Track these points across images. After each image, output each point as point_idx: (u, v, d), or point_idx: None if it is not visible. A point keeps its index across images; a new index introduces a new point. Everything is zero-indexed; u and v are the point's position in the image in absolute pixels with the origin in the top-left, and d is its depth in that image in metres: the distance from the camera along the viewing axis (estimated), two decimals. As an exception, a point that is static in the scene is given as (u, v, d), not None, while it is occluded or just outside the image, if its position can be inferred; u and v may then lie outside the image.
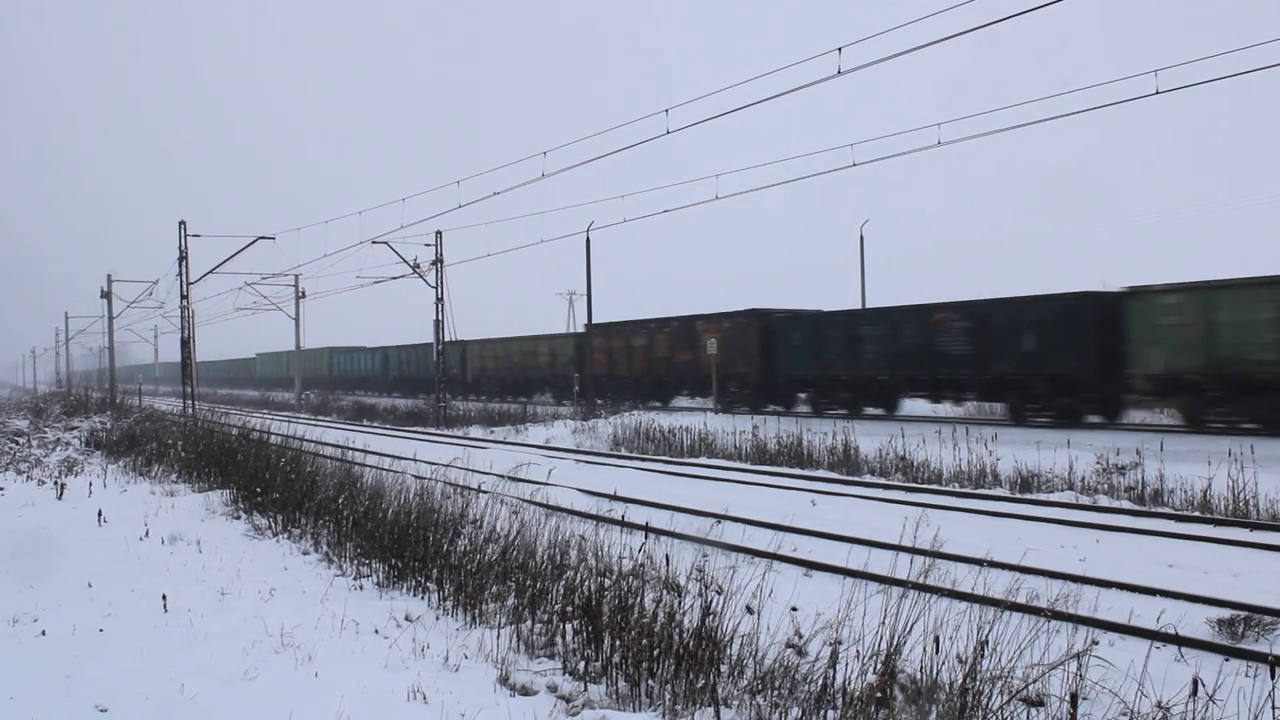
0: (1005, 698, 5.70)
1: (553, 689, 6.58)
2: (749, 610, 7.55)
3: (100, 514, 12.93)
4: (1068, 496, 16.10)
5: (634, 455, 25.75)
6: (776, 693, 6.23)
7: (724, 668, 6.69)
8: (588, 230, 39.13)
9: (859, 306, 41.21)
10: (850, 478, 19.46)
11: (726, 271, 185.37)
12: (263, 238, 38.89)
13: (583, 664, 6.97)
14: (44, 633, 7.81)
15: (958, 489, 17.48)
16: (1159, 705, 5.52)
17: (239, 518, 13.71)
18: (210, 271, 39.95)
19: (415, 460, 19.60)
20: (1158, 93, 15.76)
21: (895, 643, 6.08)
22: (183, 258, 38.71)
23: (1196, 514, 14.39)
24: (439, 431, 36.66)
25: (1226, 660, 7.65)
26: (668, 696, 6.24)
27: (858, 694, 5.86)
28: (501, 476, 15.20)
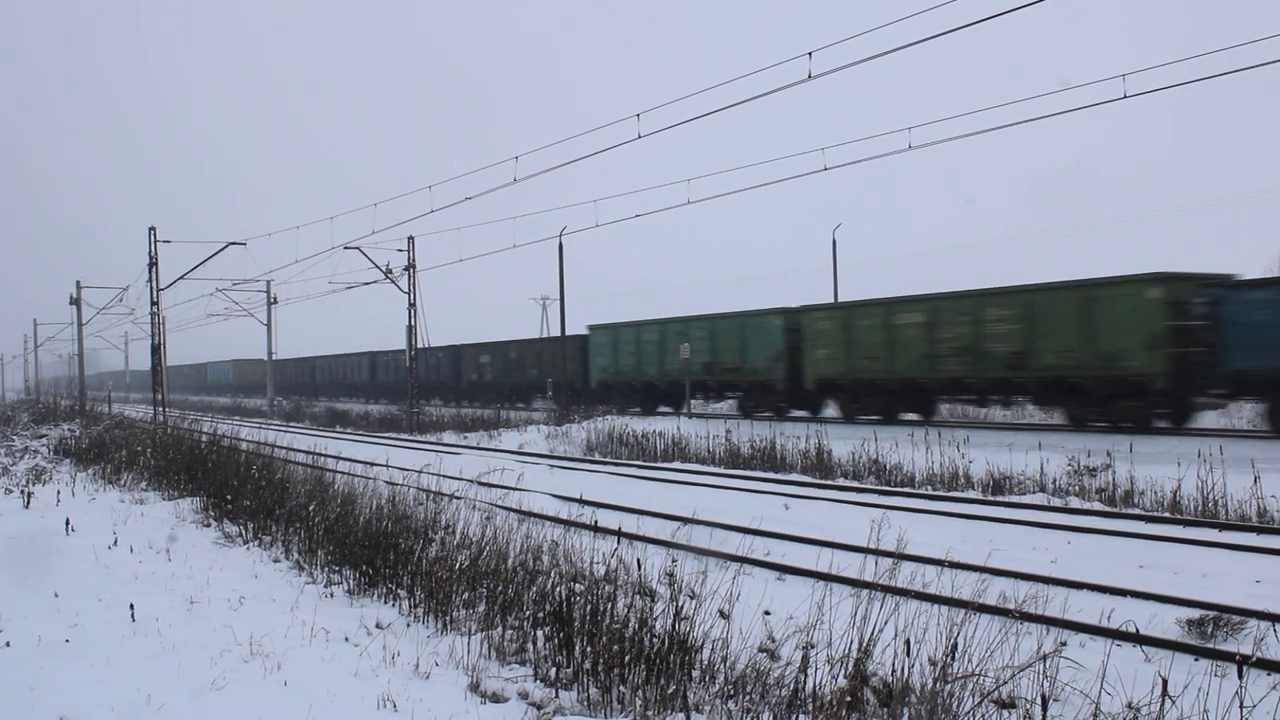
0: (976, 699, 5.72)
1: (524, 695, 6.55)
2: (722, 615, 7.54)
3: (68, 523, 12.79)
4: (1039, 498, 16.18)
5: (608, 460, 25.72)
6: (748, 697, 6.22)
7: (696, 673, 6.67)
8: (560, 235, 39.09)
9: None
10: (824, 481, 19.49)
11: (714, 274, 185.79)
12: (234, 243, 38.73)
13: (554, 670, 6.94)
14: (8, 644, 7.70)
15: (930, 492, 17.54)
16: (1129, 706, 5.55)
17: (209, 525, 13.60)
18: (181, 278, 39.75)
19: (386, 466, 19.53)
20: (1125, 97, 15.89)
21: (866, 646, 6.08)
22: (153, 264, 38.46)
23: (1167, 515, 14.49)
24: (411, 437, 36.52)
25: (1196, 660, 7.70)
26: (639, 702, 6.22)
27: (829, 698, 5.86)
28: (473, 482, 15.14)
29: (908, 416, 29.82)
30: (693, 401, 38.24)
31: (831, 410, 33.49)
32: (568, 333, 43.43)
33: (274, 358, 63.38)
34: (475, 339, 55.98)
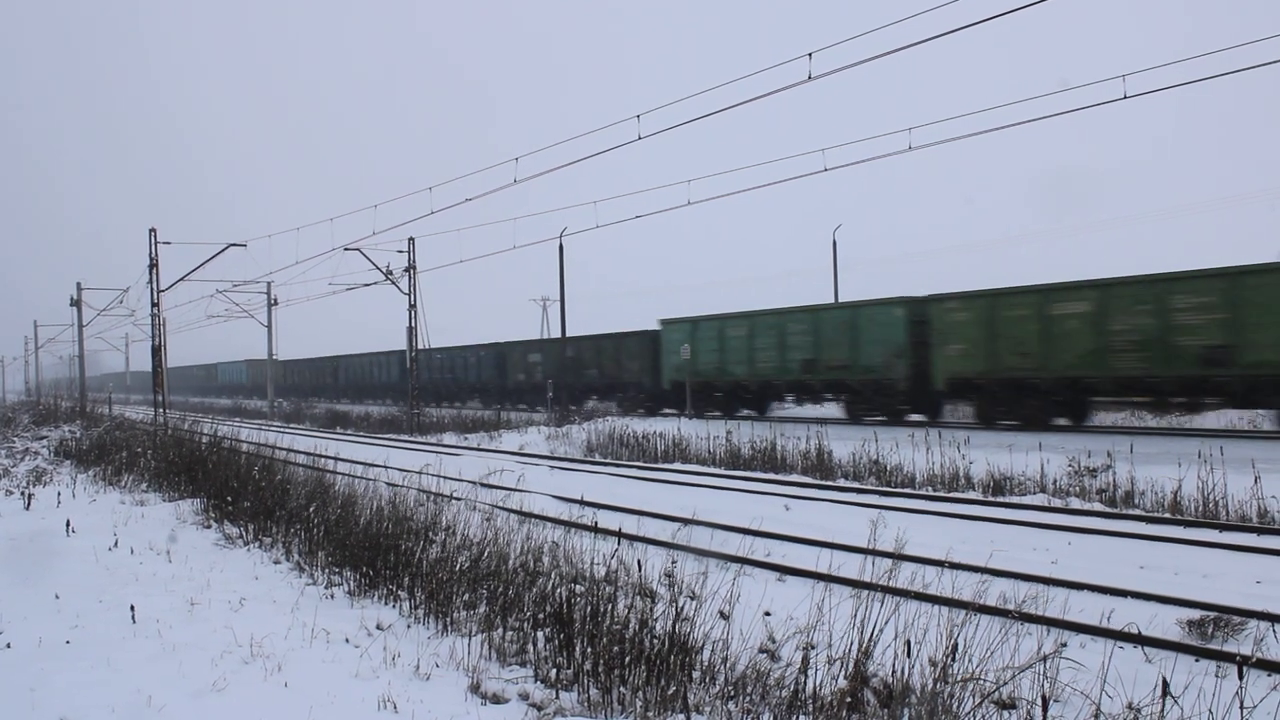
0: (977, 700, 5.72)
1: (524, 696, 6.55)
2: (722, 615, 7.54)
3: (69, 524, 12.79)
4: (1040, 499, 16.17)
5: (608, 461, 25.72)
6: (749, 698, 6.22)
7: (696, 674, 6.67)
8: (560, 236, 39.10)
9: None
10: (824, 482, 19.48)
11: (715, 274, 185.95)
12: (234, 245, 38.74)
13: (555, 671, 6.94)
14: (9, 645, 7.70)
15: (931, 493, 17.53)
16: (1130, 707, 5.55)
17: (209, 527, 13.60)
18: (181, 279, 39.75)
19: (386, 467, 19.53)
20: (1125, 97, 15.90)
21: (866, 647, 6.08)
22: (153, 265, 38.48)
23: (1167, 515, 14.48)
24: (411, 438, 36.52)
25: (1196, 661, 7.70)
26: (639, 704, 6.22)
27: (829, 699, 5.86)
28: (474, 483, 15.14)
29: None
30: (783, 404, 35.89)
31: (959, 414, 30.08)
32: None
33: (297, 358, 63.16)
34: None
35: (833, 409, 33.42)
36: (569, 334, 43.40)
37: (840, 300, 31.74)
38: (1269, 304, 21.65)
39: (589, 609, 7.31)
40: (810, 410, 34.86)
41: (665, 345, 38.27)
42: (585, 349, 44.29)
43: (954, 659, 5.78)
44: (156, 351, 39.67)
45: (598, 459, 26.46)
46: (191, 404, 79.42)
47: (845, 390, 31.05)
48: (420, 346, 42.22)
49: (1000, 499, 16.61)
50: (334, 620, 8.37)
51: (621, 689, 6.45)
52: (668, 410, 38.18)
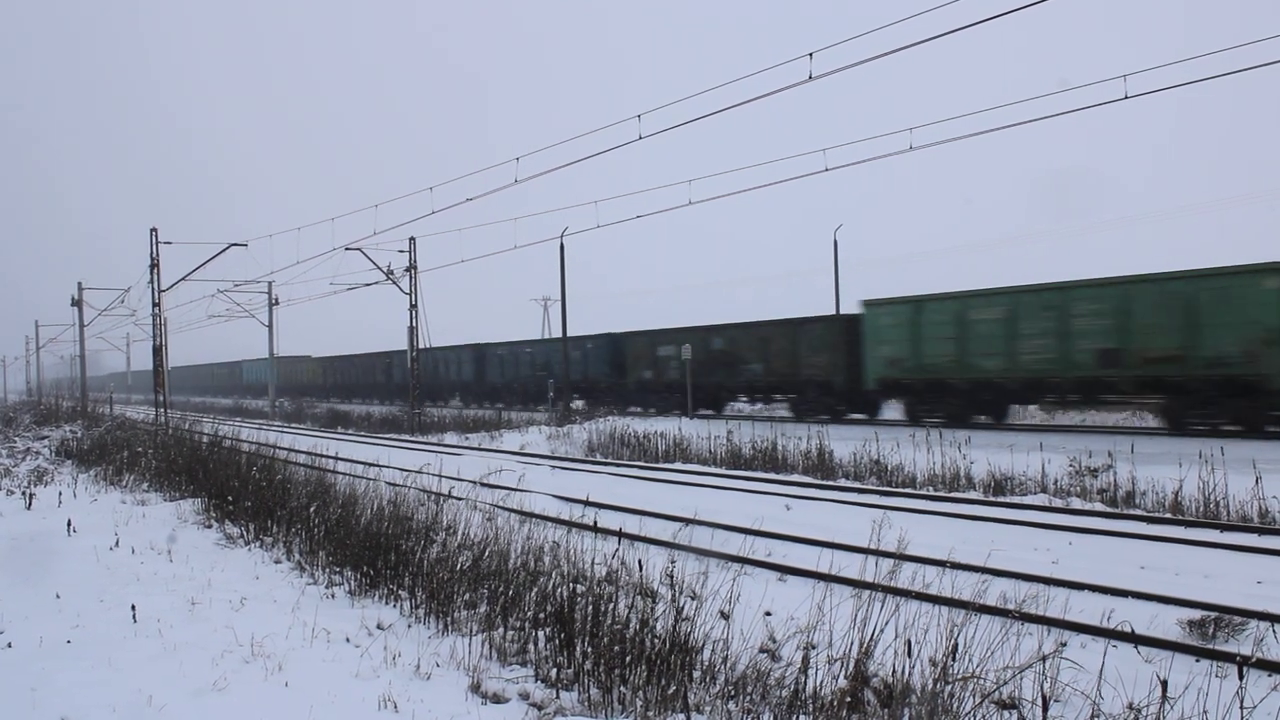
0: (977, 700, 5.72)
1: (524, 696, 6.55)
2: (723, 615, 7.54)
3: (70, 524, 12.81)
4: (1041, 499, 16.16)
5: (609, 461, 25.72)
6: (749, 698, 6.22)
7: (696, 673, 6.67)
8: (561, 236, 39.09)
9: (834, 311, 41.41)
10: (825, 482, 19.48)
11: (716, 275, 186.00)
12: (235, 245, 38.72)
13: (555, 671, 6.94)
14: (10, 645, 7.72)
15: (932, 493, 17.52)
16: (1129, 707, 5.55)
17: (210, 527, 13.61)
18: (182, 279, 39.72)
19: (387, 467, 19.53)
20: (1126, 97, 15.88)
21: (867, 647, 6.09)
22: (154, 265, 38.48)
23: (1168, 516, 14.47)
24: (413, 438, 36.52)
25: (1197, 661, 7.69)
26: (640, 703, 6.22)
27: (830, 699, 5.87)
28: (475, 483, 15.12)
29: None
30: (1039, 409, 29.73)
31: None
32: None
33: (340, 354, 63.02)
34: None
35: (1079, 415, 28.15)
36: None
37: (1158, 272, 24.37)
38: None
39: (590, 608, 7.31)
40: (1075, 417, 28.99)
41: (870, 333, 30.86)
42: (743, 340, 36.56)
43: (954, 659, 5.78)
44: (158, 351, 39.66)
45: (599, 459, 26.45)
46: (193, 404, 79.15)
47: (1170, 390, 24.11)
48: (422, 345, 42.20)
49: (1001, 499, 16.60)
50: (334, 620, 8.38)
51: (622, 688, 6.46)
52: (856, 415, 32.41)
